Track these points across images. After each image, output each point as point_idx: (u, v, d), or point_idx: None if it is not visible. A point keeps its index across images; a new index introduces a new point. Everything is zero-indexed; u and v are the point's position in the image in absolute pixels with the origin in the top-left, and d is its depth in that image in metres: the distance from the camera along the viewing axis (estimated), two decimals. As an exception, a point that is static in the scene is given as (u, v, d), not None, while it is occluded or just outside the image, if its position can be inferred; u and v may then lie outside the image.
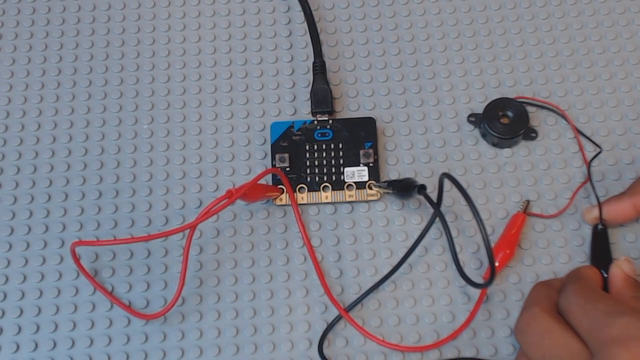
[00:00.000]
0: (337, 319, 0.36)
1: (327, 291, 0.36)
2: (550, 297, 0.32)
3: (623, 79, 0.41)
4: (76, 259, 0.35)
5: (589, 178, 0.38)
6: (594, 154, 0.39)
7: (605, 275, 0.34)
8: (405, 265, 0.37)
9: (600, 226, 0.37)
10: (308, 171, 0.39)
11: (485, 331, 0.36)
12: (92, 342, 0.36)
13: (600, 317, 0.29)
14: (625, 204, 0.36)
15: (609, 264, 0.34)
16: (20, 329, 0.36)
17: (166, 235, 0.34)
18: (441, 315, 0.37)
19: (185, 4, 0.44)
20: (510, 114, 0.39)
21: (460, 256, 0.37)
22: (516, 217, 0.38)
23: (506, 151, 0.40)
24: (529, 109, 0.40)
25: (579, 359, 0.29)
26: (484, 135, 0.40)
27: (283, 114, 0.41)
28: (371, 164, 0.39)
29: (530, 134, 0.40)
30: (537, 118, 0.40)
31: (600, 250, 0.37)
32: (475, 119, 0.40)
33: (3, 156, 0.40)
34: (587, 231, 0.38)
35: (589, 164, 0.39)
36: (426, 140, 0.40)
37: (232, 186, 0.39)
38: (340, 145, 0.39)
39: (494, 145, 0.40)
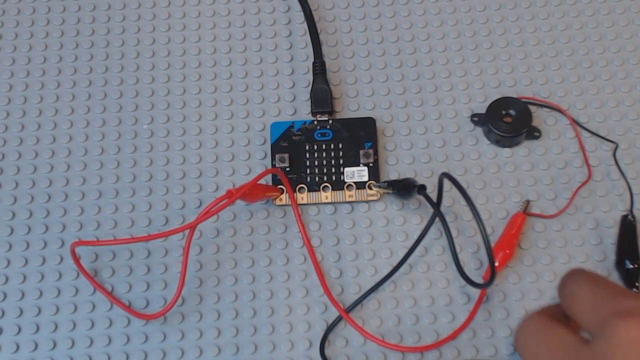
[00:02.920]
0: (338, 319, 0.36)
1: (327, 291, 0.36)
2: (546, 311, 0.31)
3: (623, 79, 0.41)
4: (76, 259, 0.35)
5: (618, 167, 0.38)
6: (596, 153, 0.39)
7: (631, 266, 0.34)
8: (405, 266, 0.37)
9: (630, 217, 0.37)
10: (308, 171, 0.39)
11: (485, 331, 0.36)
12: (92, 342, 0.36)
13: (609, 297, 0.28)
14: None
15: (636, 256, 0.34)
16: (20, 329, 0.36)
17: (166, 235, 0.34)
18: (441, 315, 0.37)
19: (185, 4, 0.44)
20: (513, 112, 0.39)
21: (460, 256, 0.37)
22: (516, 217, 0.38)
23: (506, 151, 0.40)
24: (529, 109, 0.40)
25: (572, 347, 0.28)
26: (487, 134, 0.40)
27: (283, 114, 0.41)
28: (371, 164, 0.39)
29: (533, 132, 0.40)
30: (537, 118, 0.40)
31: (628, 241, 0.36)
32: (479, 119, 0.40)
33: (3, 156, 0.40)
34: (587, 231, 0.38)
35: (614, 157, 0.39)
36: (426, 140, 0.40)
37: (232, 186, 0.39)
38: (340, 145, 0.39)
39: (497, 143, 0.39)
